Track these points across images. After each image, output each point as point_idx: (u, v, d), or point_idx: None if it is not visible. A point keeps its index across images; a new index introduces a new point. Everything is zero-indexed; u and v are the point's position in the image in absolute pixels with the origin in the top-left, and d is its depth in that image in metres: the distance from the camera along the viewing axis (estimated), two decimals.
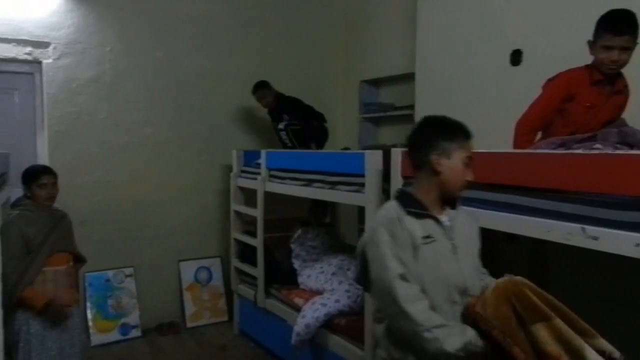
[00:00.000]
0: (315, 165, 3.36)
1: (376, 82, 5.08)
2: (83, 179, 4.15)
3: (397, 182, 2.49)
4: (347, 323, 3.17)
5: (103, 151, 4.26)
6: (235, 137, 4.74)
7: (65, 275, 2.85)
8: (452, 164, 1.67)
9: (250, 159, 4.28)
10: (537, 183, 1.86)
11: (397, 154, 2.51)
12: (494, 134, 2.47)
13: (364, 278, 1.78)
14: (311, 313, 3.29)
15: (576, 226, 1.68)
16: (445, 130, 1.70)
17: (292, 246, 3.93)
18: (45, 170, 2.87)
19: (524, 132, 2.42)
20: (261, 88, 4.48)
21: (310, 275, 3.74)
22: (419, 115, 3.99)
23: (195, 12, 4.56)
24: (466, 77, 3.59)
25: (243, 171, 4.33)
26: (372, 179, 2.73)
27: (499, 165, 2.04)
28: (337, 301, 3.31)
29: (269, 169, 3.90)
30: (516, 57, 3.25)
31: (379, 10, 4.86)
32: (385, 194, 2.66)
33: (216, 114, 4.72)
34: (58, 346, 2.76)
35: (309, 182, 3.38)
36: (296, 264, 3.88)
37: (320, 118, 4.52)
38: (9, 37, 3.84)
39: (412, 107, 4.15)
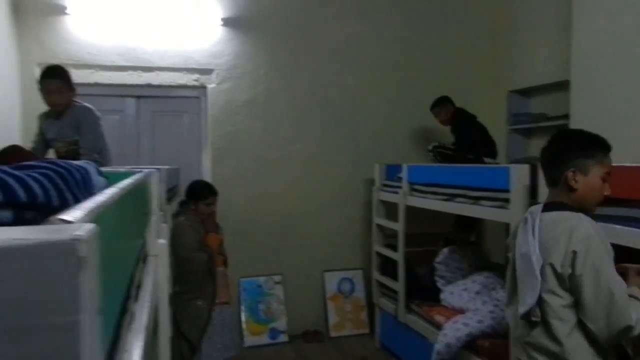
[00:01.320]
0: (457, 180, 3.28)
1: (526, 92, 4.80)
2: (239, 191, 4.54)
3: (545, 198, 2.33)
4: (490, 346, 3.02)
5: (257, 166, 4.62)
6: (378, 151, 4.81)
7: (222, 276, 3.18)
8: (588, 180, 1.66)
9: (392, 172, 4.31)
10: None
11: None
12: None
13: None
14: (452, 332, 3.20)
15: None
16: (582, 146, 1.68)
17: (437, 266, 3.84)
18: (213, 192, 3.27)
19: None
20: (435, 105, 4.40)
21: (453, 292, 3.63)
22: (574, 125, 3.69)
23: (340, 33, 4.76)
24: (628, 83, 3.23)
25: (385, 185, 4.38)
26: (517, 194, 2.59)
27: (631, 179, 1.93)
28: (480, 322, 3.18)
29: (411, 183, 3.90)
30: None
31: (528, 17, 4.60)
32: None
33: (360, 129, 4.85)
34: (221, 340, 3.08)
35: (451, 197, 3.32)
36: (439, 282, 3.79)
37: (488, 152, 4.19)
38: (181, 66, 4.39)
39: (566, 117, 3.85)
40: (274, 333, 4.56)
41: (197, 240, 3.02)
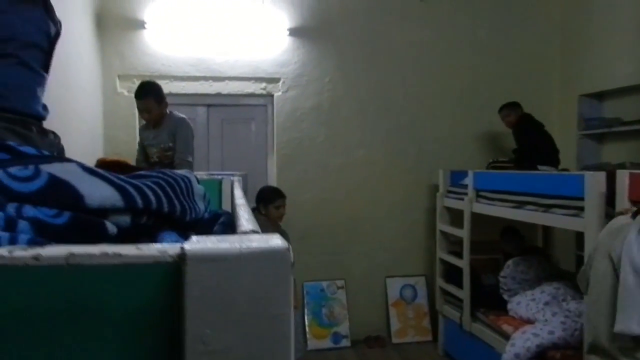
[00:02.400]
0: (527, 187, 3.22)
1: (599, 96, 4.62)
2: (304, 197, 4.63)
3: (623, 206, 2.27)
4: (562, 357, 2.94)
5: (321, 171, 4.70)
6: (442, 156, 4.78)
7: None
8: None
9: (457, 178, 4.27)
10: None
11: (623, 176, 2.29)
12: None
13: None
14: (521, 342, 3.13)
15: None
16: None
17: (502, 280, 3.73)
18: (281, 195, 3.39)
19: None
20: (504, 108, 4.39)
21: (520, 302, 3.55)
22: None
23: (406, 38, 4.77)
24: None
25: (449, 191, 4.34)
26: (593, 202, 2.53)
27: None
28: (550, 332, 3.09)
29: (477, 190, 3.85)
30: None
31: (602, 17, 4.43)
32: (609, 219, 2.43)
33: (424, 135, 4.83)
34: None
35: (520, 205, 3.26)
36: (505, 295, 3.71)
37: (547, 160, 4.05)
38: (250, 76, 4.55)
39: None
40: (336, 337, 4.61)
41: None
